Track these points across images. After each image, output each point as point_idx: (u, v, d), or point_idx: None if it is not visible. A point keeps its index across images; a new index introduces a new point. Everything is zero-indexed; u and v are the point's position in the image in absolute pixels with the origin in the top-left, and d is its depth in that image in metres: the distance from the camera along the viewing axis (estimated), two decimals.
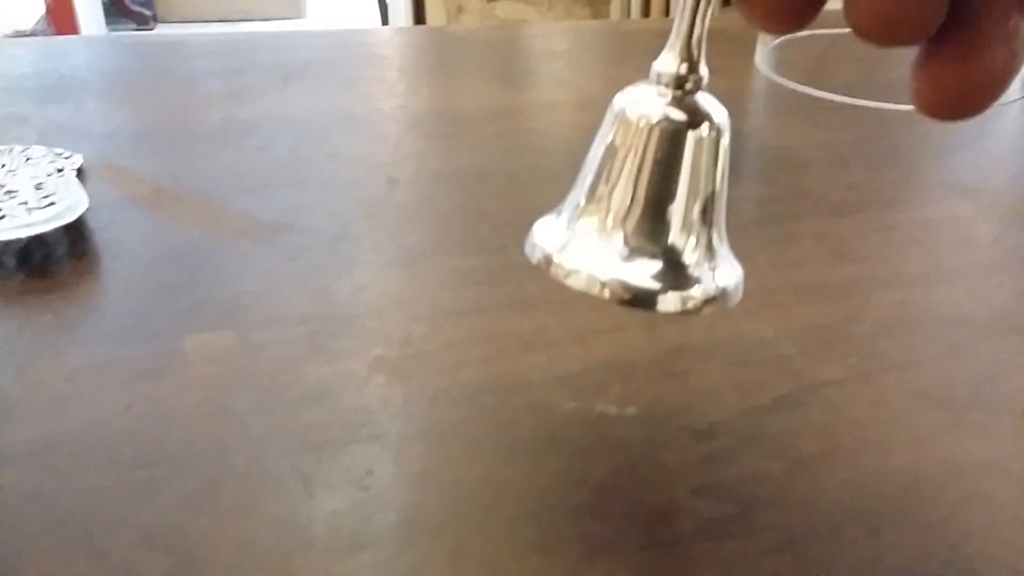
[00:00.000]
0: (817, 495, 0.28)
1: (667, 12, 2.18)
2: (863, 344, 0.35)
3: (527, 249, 0.26)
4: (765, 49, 0.64)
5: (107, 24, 3.29)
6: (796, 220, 0.43)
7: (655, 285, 0.23)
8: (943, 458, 0.29)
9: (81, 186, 0.41)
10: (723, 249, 0.25)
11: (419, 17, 2.14)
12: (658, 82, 0.23)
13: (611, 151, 0.24)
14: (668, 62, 0.23)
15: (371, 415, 0.30)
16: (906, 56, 0.21)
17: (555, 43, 0.68)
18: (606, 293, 0.23)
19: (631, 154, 0.23)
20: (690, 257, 0.24)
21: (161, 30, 3.82)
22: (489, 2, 2.17)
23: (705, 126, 0.23)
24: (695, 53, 0.23)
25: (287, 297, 0.36)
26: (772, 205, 0.45)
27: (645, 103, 0.23)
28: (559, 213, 0.26)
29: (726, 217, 0.25)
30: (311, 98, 0.55)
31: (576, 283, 0.23)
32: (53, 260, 0.38)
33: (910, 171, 0.49)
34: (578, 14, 2.25)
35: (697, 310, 0.23)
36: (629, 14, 2.21)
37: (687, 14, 0.23)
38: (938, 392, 0.32)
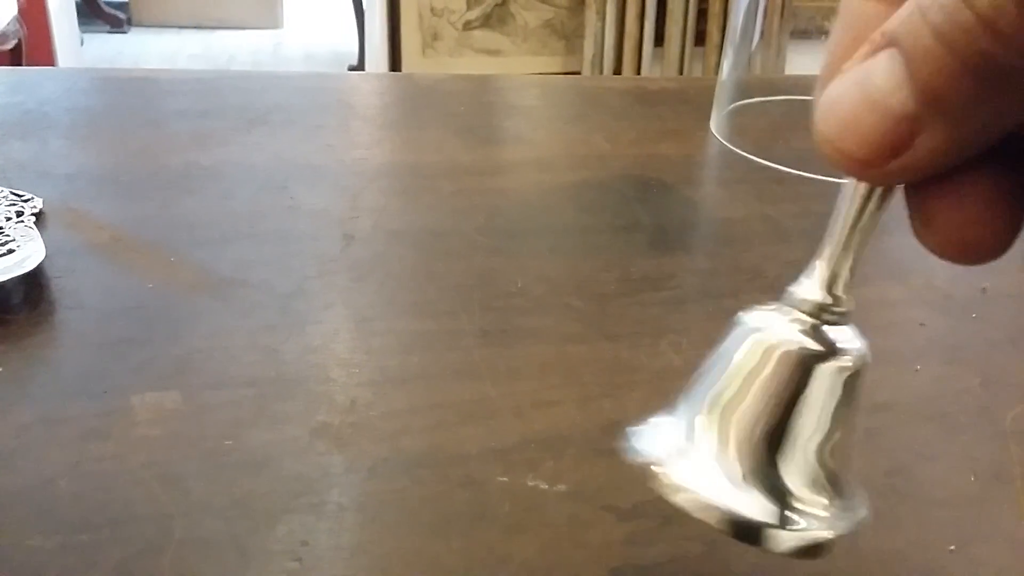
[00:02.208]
0: None
1: (639, 51, 2.22)
2: None
3: (632, 447, 0.24)
4: (721, 114, 0.66)
5: (80, 26, 3.27)
6: (734, 296, 0.44)
7: (766, 519, 0.21)
8: (850, 546, 0.31)
9: (39, 234, 0.42)
10: (847, 492, 0.23)
11: (394, 42, 2.15)
12: (797, 307, 0.22)
13: (737, 370, 0.22)
14: (810, 289, 0.22)
15: (310, 483, 0.32)
16: None
17: (519, 98, 0.70)
18: (713, 519, 0.22)
19: (758, 379, 0.22)
20: (809, 498, 0.22)
21: (135, 34, 3.80)
22: (464, 31, 2.20)
23: (841, 362, 0.22)
24: (842, 282, 0.22)
25: (236, 357, 0.37)
26: (712, 279, 0.46)
27: (779, 327, 0.22)
28: (673, 416, 0.24)
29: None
30: (274, 145, 0.57)
31: (684, 503, 0.22)
32: (8, 308, 0.39)
33: None
34: (552, 46, 2.28)
35: (805, 553, 0.22)
36: (603, 47, 2.24)
37: (843, 237, 0.21)
38: None
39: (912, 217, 0.20)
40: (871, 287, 0.47)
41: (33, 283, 0.40)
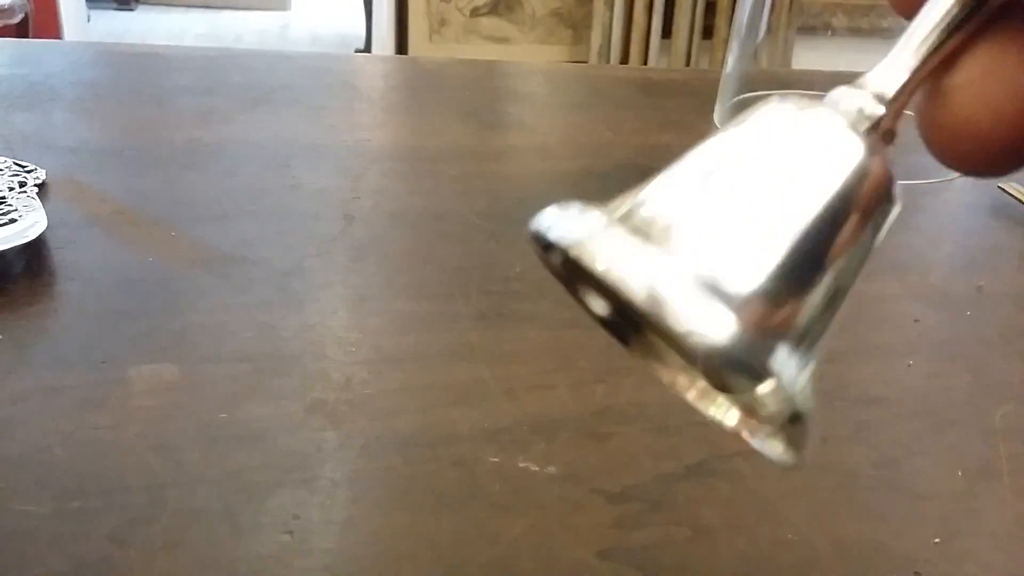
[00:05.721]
0: (715, 565, 0.30)
1: (646, 43, 2.22)
2: None
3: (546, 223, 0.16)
4: (724, 107, 0.66)
5: (87, 2, 3.27)
6: None
7: (757, 363, 0.15)
8: (836, 536, 0.31)
9: (41, 205, 0.42)
10: (812, 349, 0.16)
11: (401, 27, 2.15)
12: (847, 106, 0.17)
13: (746, 137, 0.17)
14: (867, 96, 0.17)
15: (303, 458, 0.32)
16: None
17: (524, 84, 0.70)
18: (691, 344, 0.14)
19: (787, 175, 0.16)
20: (797, 350, 0.15)
21: (142, 12, 3.79)
22: (472, 17, 2.19)
23: (895, 196, 0.17)
24: (896, 100, 0.17)
25: (233, 332, 0.38)
26: None
27: (825, 109, 0.17)
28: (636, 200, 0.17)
29: None
30: (277, 124, 0.57)
31: (617, 283, 0.15)
32: (9, 277, 0.39)
33: None
34: (560, 35, 2.28)
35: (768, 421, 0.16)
36: (610, 37, 2.24)
37: (917, 53, 0.17)
38: (840, 470, 0.34)
39: (928, 96, 0.17)
40: (868, 282, 0.47)
41: (34, 253, 0.40)
